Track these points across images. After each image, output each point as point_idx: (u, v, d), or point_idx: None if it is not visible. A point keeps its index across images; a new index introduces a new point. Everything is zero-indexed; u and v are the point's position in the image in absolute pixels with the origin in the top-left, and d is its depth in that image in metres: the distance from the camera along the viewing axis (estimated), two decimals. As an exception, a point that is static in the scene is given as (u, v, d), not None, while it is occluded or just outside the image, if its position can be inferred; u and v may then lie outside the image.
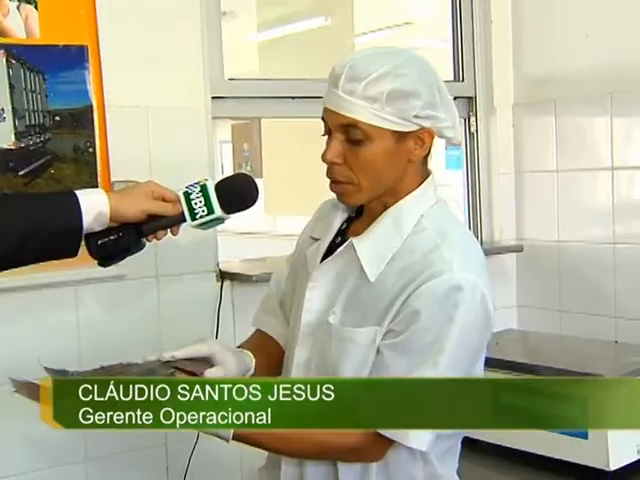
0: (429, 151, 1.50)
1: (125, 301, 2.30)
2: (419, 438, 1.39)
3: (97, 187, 2.20)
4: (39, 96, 2.13)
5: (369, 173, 1.45)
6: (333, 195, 1.53)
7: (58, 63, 2.14)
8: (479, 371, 1.50)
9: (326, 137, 1.48)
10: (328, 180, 1.51)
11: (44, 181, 2.14)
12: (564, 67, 2.81)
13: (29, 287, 2.10)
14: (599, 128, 2.75)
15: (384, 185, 1.48)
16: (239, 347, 1.62)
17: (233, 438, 1.35)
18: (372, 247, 1.48)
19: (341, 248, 1.51)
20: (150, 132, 2.31)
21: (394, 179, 1.48)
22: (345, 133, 1.44)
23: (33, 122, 2.12)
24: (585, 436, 1.91)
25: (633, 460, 1.94)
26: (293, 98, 2.61)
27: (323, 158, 1.47)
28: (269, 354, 1.65)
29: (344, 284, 1.50)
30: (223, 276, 2.43)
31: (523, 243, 2.99)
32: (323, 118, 1.49)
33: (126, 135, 2.26)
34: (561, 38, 2.82)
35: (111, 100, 2.21)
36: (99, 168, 2.21)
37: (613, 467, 1.89)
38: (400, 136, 1.44)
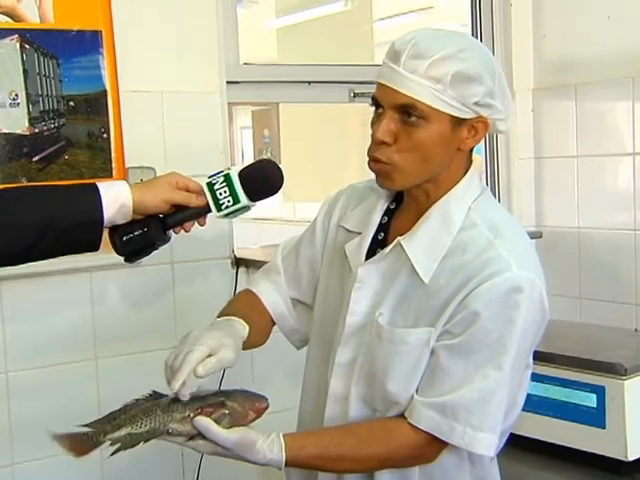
0: (479, 142, 1.45)
1: (140, 287, 2.30)
2: (486, 443, 1.36)
3: (111, 173, 2.19)
4: (53, 81, 2.12)
5: (417, 156, 1.39)
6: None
7: (72, 48, 2.14)
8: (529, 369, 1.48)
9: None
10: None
11: (58, 167, 2.14)
12: (585, 50, 2.76)
13: (44, 273, 2.11)
14: (621, 113, 2.70)
15: (428, 172, 1.42)
16: (229, 309, 1.60)
17: (286, 465, 1.32)
18: (422, 246, 1.43)
19: (389, 248, 1.46)
20: (165, 117, 2.30)
21: (440, 167, 1.43)
22: (400, 112, 1.38)
23: (47, 107, 2.12)
24: (603, 426, 1.88)
25: (652, 450, 1.91)
26: (309, 83, 2.60)
27: (372, 136, 1.41)
28: (262, 317, 1.65)
29: (392, 284, 1.45)
30: (238, 262, 2.42)
31: (543, 229, 2.95)
32: (374, 96, 1.42)
33: (141, 120, 2.25)
34: (582, 21, 2.76)
35: (125, 85, 2.21)
36: (113, 154, 2.21)
37: (631, 457, 1.86)
38: (457, 122, 1.39)
